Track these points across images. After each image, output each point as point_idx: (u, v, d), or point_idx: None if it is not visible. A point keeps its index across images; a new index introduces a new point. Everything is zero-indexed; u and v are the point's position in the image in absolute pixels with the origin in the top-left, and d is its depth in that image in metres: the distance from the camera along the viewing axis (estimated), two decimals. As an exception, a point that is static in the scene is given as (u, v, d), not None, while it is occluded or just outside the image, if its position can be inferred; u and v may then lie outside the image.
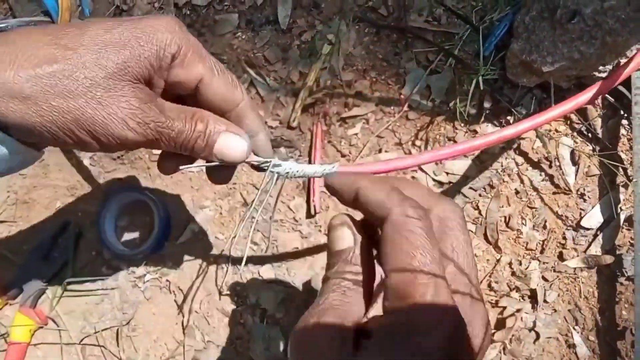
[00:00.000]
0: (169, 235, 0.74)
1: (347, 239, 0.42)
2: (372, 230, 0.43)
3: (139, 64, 0.42)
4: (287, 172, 0.50)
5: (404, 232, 0.36)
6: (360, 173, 0.50)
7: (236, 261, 0.72)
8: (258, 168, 0.50)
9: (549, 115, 0.57)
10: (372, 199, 0.39)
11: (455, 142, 0.70)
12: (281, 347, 0.70)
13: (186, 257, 0.74)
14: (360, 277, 0.40)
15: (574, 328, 0.68)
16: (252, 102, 0.48)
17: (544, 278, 0.68)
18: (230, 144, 0.46)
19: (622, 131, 0.67)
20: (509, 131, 0.56)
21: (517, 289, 0.68)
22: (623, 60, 0.61)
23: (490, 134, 0.55)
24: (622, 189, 0.67)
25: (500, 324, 0.68)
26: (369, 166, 0.52)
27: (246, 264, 0.71)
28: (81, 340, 0.74)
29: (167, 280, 0.73)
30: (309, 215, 0.71)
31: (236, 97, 0.47)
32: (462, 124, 0.70)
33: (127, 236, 0.75)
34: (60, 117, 0.40)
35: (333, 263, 0.41)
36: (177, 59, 0.43)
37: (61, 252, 0.74)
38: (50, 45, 0.39)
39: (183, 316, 0.73)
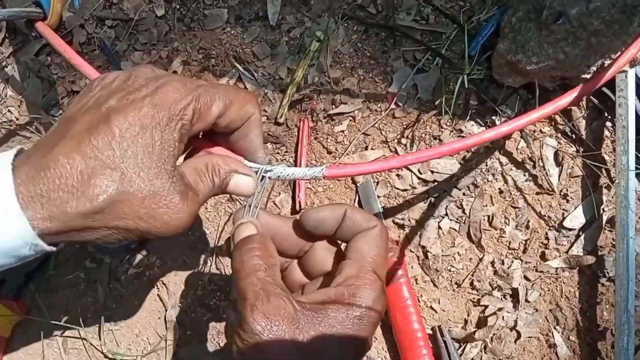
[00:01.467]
0: (154, 229, 0.73)
1: (250, 229, 0.48)
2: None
3: (170, 150, 0.43)
4: (279, 176, 0.51)
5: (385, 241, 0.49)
6: (347, 174, 0.51)
7: (220, 256, 0.72)
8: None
9: (529, 118, 0.57)
10: (359, 216, 0.48)
11: (440, 140, 0.70)
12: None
13: (170, 252, 0.73)
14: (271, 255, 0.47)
15: (555, 328, 0.68)
16: (260, 117, 0.50)
17: (526, 277, 0.68)
18: (241, 184, 0.49)
19: (606, 133, 0.68)
20: (490, 134, 0.56)
21: (499, 288, 0.68)
22: (607, 62, 0.62)
23: (470, 137, 0.56)
24: (604, 190, 0.68)
25: (482, 323, 0.68)
26: (355, 167, 0.52)
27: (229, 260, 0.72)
28: (63, 333, 0.74)
29: (151, 275, 0.73)
30: (294, 211, 0.72)
31: (247, 114, 0.48)
32: (448, 123, 0.70)
33: (112, 229, 0.75)
34: (120, 232, 0.42)
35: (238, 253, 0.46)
36: (195, 117, 0.45)
37: (44, 244, 0.74)
38: (96, 173, 0.40)
39: (166, 311, 0.73)
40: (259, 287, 0.43)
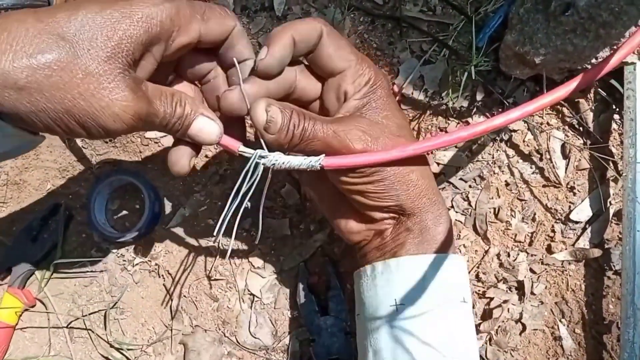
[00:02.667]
0: (159, 219, 0.74)
1: (277, 114, 0.49)
2: None
3: (130, 46, 0.42)
4: (274, 164, 0.50)
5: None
6: (346, 165, 0.51)
7: (225, 246, 0.72)
8: (245, 158, 0.51)
9: (540, 102, 0.56)
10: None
11: (447, 132, 0.70)
12: (268, 333, 0.70)
13: (176, 242, 0.74)
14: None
15: (560, 321, 0.68)
16: (243, 28, 0.51)
17: (531, 270, 0.68)
18: (205, 127, 0.48)
19: (614, 125, 0.67)
20: (499, 120, 0.55)
21: (505, 281, 0.68)
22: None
23: (477, 124, 0.54)
24: (612, 183, 0.67)
25: (487, 315, 0.68)
26: (353, 158, 0.51)
27: (235, 250, 0.72)
28: (69, 323, 0.74)
29: (156, 264, 0.73)
30: (299, 202, 0.72)
31: (228, 27, 0.49)
32: (454, 115, 0.70)
33: (118, 219, 0.75)
34: (52, 108, 0.40)
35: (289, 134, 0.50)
36: (169, 31, 0.45)
37: (51, 233, 0.74)
38: (43, 34, 0.40)
39: (171, 300, 0.73)
40: (334, 127, 0.51)
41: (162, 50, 0.46)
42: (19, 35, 0.39)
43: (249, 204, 0.51)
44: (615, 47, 0.61)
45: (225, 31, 0.49)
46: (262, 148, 0.50)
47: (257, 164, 0.50)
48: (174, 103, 0.46)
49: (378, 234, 0.57)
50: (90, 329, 0.74)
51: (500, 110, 0.69)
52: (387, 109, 0.55)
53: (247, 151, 0.50)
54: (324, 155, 0.51)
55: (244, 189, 0.50)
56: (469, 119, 0.70)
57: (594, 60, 0.62)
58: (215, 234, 0.51)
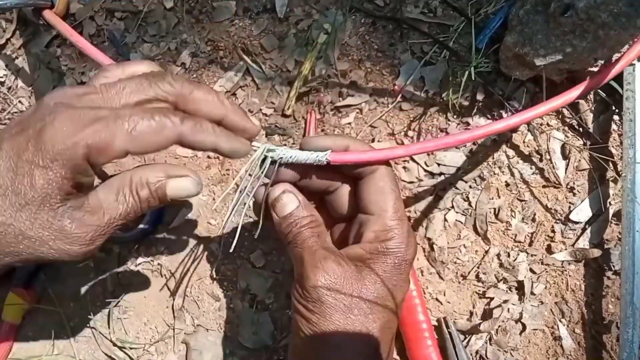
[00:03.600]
0: (162, 219, 0.74)
1: (293, 202, 0.52)
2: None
3: (55, 186, 0.42)
4: (281, 158, 0.51)
5: (394, 178, 0.54)
6: (351, 161, 0.51)
7: (227, 246, 0.72)
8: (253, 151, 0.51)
9: (537, 111, 0.57)
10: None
11: (447, 133, 0.70)
12: (269, 333, 0.71)
13: (178, 242, 0.74)
14: (317, 221, 0.53)
15: (560, 320, 0.68)
16: (234, 107, 0.49)
17: (531, 270, 0.69)
18: (179, 187, 0.48)
19: (613, 126, 0.68)
20: (498, 125, 0.56)
21: (505, 281, 0.69)
22: (616, 55, 0.62)
23: (478, 128, 0.55)
24: (611, 184, 0.68)
25: (487, 315, 0.68)
26: (360, 155, 0.52)
27: (237, 249, 0.72)
28: (72, 322, 0.75)
29: (159, 264, 0.74)
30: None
31: (168, 140, 0.45)
32: (455, 116, 0.70)
33: (121, 219, 0.76)
34: (11, 260, 0.43)
35: (287, 227, 0.52)
36: (93, 154, 0.43)
37: (54, 233, 0.75)
38: None
39: (174, 300, 0.73)
40: (315, 251, 0.50)
41: (92, 169, 0.45)
42: None
43: (253, 199, 0.52)
44: (614, 48, 0.61)
45: (166, 142, 0.45)
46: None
47: (264, 158, 0.50)
48: (134, 190, 0.46)
49: None
50: (93, 328, 0.74)
51: (500, 111, 0.69)
52: (378, 281, 0.50)
53: (255, 145, 0.50)
54: (330, 150, 0.51)
55: (250, 182, 0.51)
56: (469, 120, 0.70)
57: (593, 61, 0.63)
58: (223, 223, 0.52)
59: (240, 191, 0.52)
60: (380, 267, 0.50)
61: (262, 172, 0.51)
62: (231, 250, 0.55)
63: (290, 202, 0.52)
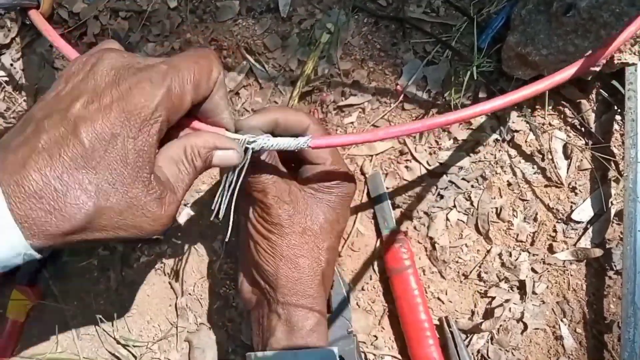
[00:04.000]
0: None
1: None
2: None
3: (145, 155, 0.42)
4: (262, 147, 0.51)
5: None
6: (334, 144, 0.55)
7: (229, 246, 0.73)
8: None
9: (522, 93, 0.55)
10: (292, 119, 0.57)
11: (449, 132, 0.71)
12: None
13: (181, 240, 0.75)
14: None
15: (561, 320, 0.68)
16: (223, 77, 0.49)
17: (533, 270, 0.69)
18: (225, 157, 0.49)
19: (615, 126, 0.68)
20: (486, 106, 0.55)
21: (507, 280, 0.69)
22: (617, 55, 0.62)
23: (467, 108, 0.55)
24: (613, 184, 0.68)
25: (489, 314, 0.69)
26: (341, 138, 0.53)
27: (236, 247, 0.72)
28: (76, 319, 0.75)
29: (162, 263, 0.74)
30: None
31: (212, 83, 0.48)
32: (457, 115, 0.70)
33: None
34: (100, 243, 0.51)
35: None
36: (171, 114, 0.44)
37: (59, 231, 0.75)
38: (70, 185, 0.40)
39: (177, 298, 0.74)
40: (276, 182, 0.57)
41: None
42: (47, 195, 0.40)
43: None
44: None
45: (211, 88, 0.48)
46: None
47: (246, 149, 0.51)
48: (191, 162, 0.47)
49: (259, 304, 0.61)
50: (97, 326, 0.75)
51: (503, 110, 0.69)
52: (326, 210, 0.61)
53: (236, 136, 0.50)
54: (311, 135, 0.52)
55: (236, 174, 0.51)
56: (472, 119, 0.70)
57: (594, 61, 0.63)
58: (212, 218, 0.52)
59: (226, 184, 0.52)
60: (326, 198, 0.60)
61: (245, 162, 0.51)
62: (226, 240, 0.56)
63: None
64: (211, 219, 0.52)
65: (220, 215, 0.53)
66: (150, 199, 0.43)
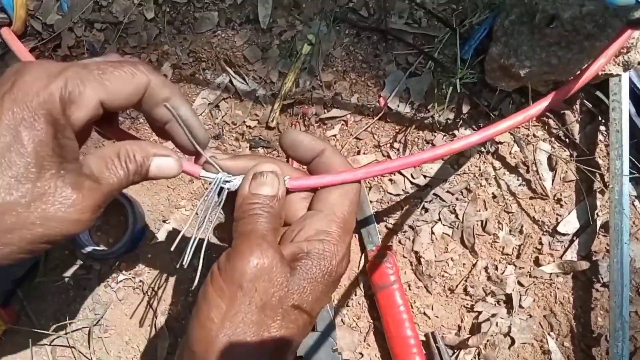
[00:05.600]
0: (144, 235, 0.73)
1: (273, 187, 0.47)
2: None
3: (45, 145, 0.39)
4: (237, 187, 0.49)
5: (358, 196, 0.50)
6: (311, 186, 0.50)
7: (210, 263, 0.71)
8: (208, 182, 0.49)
9: (497, 128, 0.53)
10: (337, 160, 0.49)
11: (433, 145, 0.70)
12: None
13: (160, 258, 0.73)
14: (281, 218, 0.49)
15: (549, 334, 0.68)
16: (163, 78, 0.46)
17: (519, 283, 0.68)
18: (163, 166, 0.46)
19: (600, 137, 0.67)
20: (459, 144, 0.52)
21: (493, 294, 0.68)
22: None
23: (438, 147, 0.53)
24: (598, 195, 0.67)
25: (475, 329, 0.68)
26: (319, 179, 0.50)
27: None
28: (52, 341, 0.73)
29: (141, 281, 0.72)
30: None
31: (139, 85, 0.44)
32: (440, 128, 0.70)
33: (101, 236, 0.74)
34: (19, 249, 0.40)
35: (251, 204, 0.47)
36: (67, 105, 0.41)
37: (33, 250, 0.73)
38: None
39: (155, 317, 0.72)
40: (263, 235, 0.45)
41: (71, 128, 0.42)
42: None
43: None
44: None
45: (137, 90, 0.44)
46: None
47: (221, 189, 0.49)
48: (123, 163, 0.44)
49: None
50: (73, 347, 0.72)
51: (486, 122, 0.69)
52: (310, 289, 0.45)
53: (210, 176, 0.49)
54: (288, 177, 0.49)
55: (209, 213, 0.49)
56: (455, 132, 0.69)
57: (578, 72, 0.62)
58: (184, 263, 0.49)
59: (199, 223, 0.50)
60: (309, 271, 0.45)
61: (219, 204, 0.49)
62: (194, 285, 0.51)
63: (270, 186, 0.47)
64: (177, 266, 0.49)
65: (185, 263, 0.49)
66: (63, 184, 0.40)
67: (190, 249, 0.49)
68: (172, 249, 0.50)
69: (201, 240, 0.50)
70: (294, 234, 0.48)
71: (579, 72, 0.61)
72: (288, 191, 0.49)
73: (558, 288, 0.68)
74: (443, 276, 0.69)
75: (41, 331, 0.72)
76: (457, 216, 0.69)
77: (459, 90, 0.67)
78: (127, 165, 0.44)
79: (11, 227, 0.38)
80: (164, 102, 0.46)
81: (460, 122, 0.69)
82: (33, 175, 0.39)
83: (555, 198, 0.68)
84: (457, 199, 0.69)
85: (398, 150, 0.71)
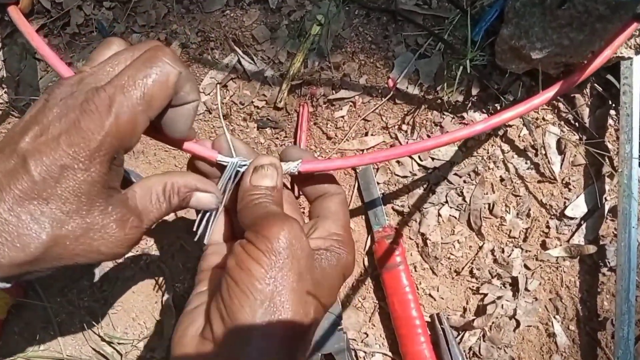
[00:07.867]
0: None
1: (272, 178, 0.49)
2: None
3: (97, 183, 0.41)
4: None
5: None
6: (322, 169, 0.52)
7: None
8: (224, 166, 0.50)
9: (502, 117, 0.53)
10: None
11: (442, 127, 0.69)
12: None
13: (167, 236, 0.73)
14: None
15: (554, 317, 0.68)
16: (185, 73, 0.45)
17: (526, 266, 0.68)
18: (202, 200, 0.49)
19: (610, 121, 0.67)
20: (463, 132, 0.52)
21: (499, 277, 0.68)
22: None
23: (443, 135, 0.53)
24: (607, 179, 0.67)
25: (481, 311, 0.68)
26: (330, 162, 0.51)
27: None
28: (59, 317, 0.73)
29: (148, 258, 0.73)
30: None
31: (169, 90, 0.44)
32: (449, 110, 0.69)
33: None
34: (58, 271, 0.43)
35: (254, 195, 0.48)
36: (121, 141, 0.42)
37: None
38: (22, 217, 0.39)
39: (162, 295, 0.72)
40: (278, 212, 0.46)
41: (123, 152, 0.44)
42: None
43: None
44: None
45: (169, 95, 0.44)
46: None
47: (237, 172, 0.50)
48: (167, 196, 0.46)
49: None
50: (81, 323, 0.73)
51: (495, 105, 0.68)
52: (330, 275, 0.46)
53: (226, 160, 0.50)
54: (301, 160, 0.51)
55: (226, 196, 0.51)
56: (465, 114, 0.69)
57: (589, 55, 0.62)
58: (205, 242, 0.51)
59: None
60: (330, 264, 0.46)
61: (233, 185, 0.51)
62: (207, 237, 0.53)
63: (270, 177, 0.49)
64: (195, 239, 0.51)
65: (206, 240, 0.52)
66: (109, 220, 0.42)
67: (211, 225, 0.52)
68: (194, 229, 0.52)
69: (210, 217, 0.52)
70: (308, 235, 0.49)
71: (590, 54, 0.61)
72: (300, 174, 0.51)
73: (564, 272, 0.68)
74: (449, 258, 0.69)
75: (49, 306, 0.73)
76: (464, 199, 0.69)
77: (468, 72, 0.67)
78: (171, 200, 0.47)
79: (58, 257, 0.41)
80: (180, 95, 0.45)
81: (470, 104, 0.69)
82: (84, 212, 0.41)
83: (564, 182, 0.68)
84: (464, 181, 0.69)
85: (406, 132, 0.70)
